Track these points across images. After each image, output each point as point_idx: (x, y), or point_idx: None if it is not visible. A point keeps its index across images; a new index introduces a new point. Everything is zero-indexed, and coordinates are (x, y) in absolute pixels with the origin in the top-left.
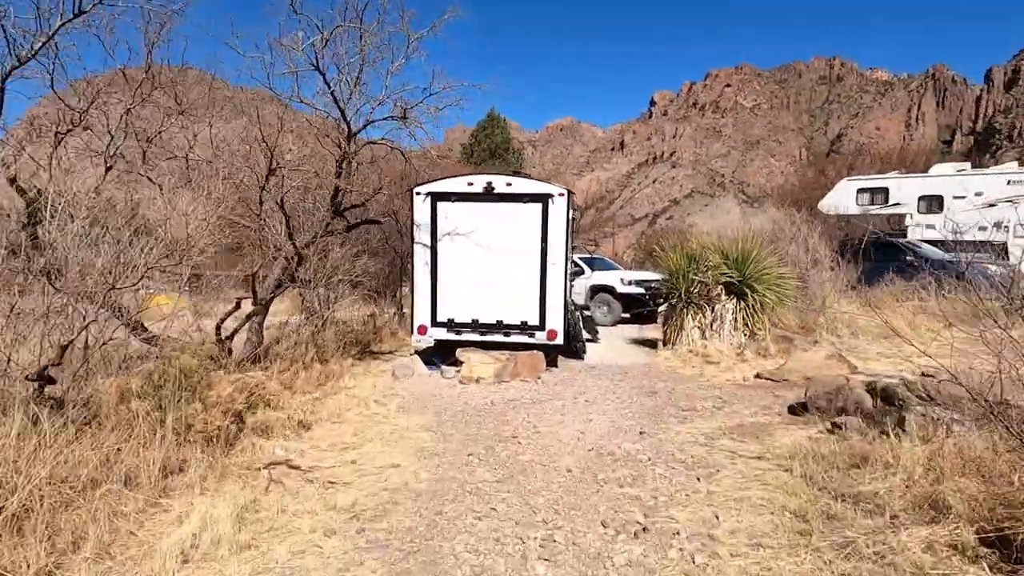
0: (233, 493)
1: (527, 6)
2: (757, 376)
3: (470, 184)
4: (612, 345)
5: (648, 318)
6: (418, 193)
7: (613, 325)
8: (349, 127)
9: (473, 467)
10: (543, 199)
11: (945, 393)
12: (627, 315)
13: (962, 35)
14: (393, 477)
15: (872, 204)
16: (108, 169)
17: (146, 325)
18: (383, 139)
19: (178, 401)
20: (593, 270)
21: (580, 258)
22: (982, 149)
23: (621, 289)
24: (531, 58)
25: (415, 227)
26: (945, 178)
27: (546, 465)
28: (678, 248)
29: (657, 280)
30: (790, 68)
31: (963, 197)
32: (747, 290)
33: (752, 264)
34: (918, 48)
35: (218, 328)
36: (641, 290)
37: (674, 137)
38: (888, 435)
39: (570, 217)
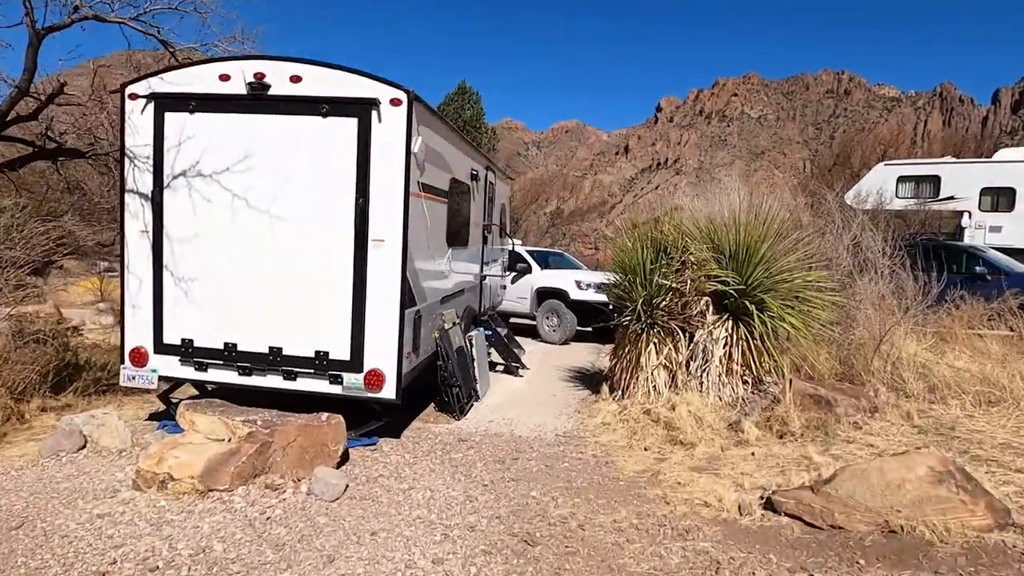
0: None
1: (538, 7)
2: (768, 506)
3: (225, 78)
4: (538, 384)
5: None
6: (133, 95)
7: (564, 343)
8: None
9: None
10: (361, 110)
11: None
12: (589, 328)
13: (970, 55)
14: None
15: (917, 196)
16: None
17: None
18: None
19: None
20: (544, 268)
21: (528, 251)
22: None
23: (576, 295)
24: (540, 58)
25: (126, 161)
26: (1019, 165)
27: None
28: (638, 230)
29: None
30: (798, 80)
31: None
32: (751, 306)
33: (762, 264)
34: (926, 66)
35: None
36: (603, 297)
37: (679, 144)
38: None
39: (414, 150)
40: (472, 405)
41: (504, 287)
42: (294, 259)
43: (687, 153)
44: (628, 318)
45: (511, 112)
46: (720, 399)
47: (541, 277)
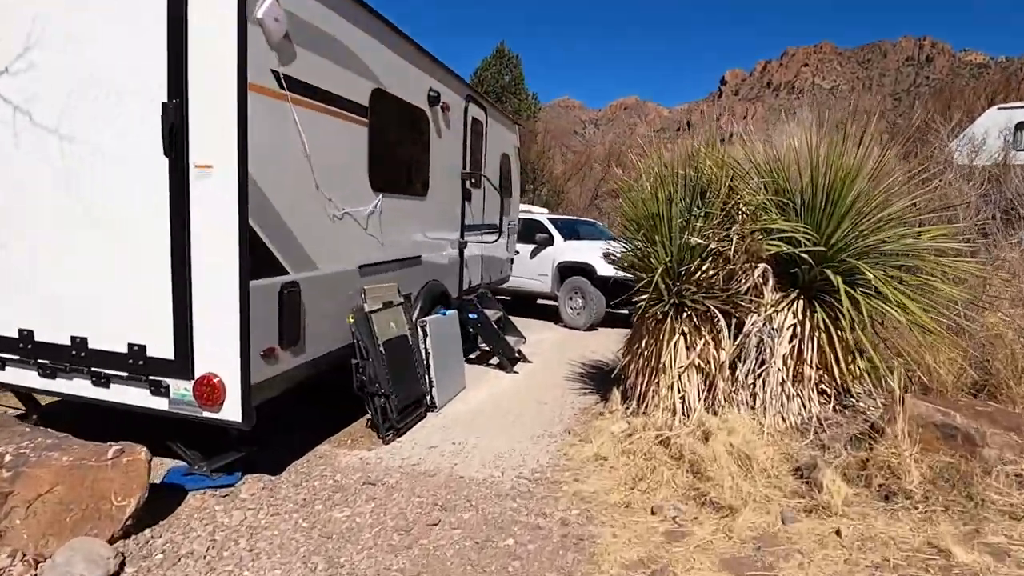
0: None
1: None
2: None
3: None
4: (532, 385)
5: None
6: None
7: (590, 329)
8: None
9: None
10: None
11: None
12: (624, 311)
13: None
14: None
15: None
16: None
17: None
18: None
19: None
20: (569, 239)
21: (551, 219)
22: None
23: (604, 271)
24: (599, 34)
25: None
26: None
27: None
28: (658, 166)
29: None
30: (875, 48)
31: None
32: (835, 278)
33: (851, 215)
34: (1020, 29)
35: None
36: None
37: (744, 118)
38: None
39: (257, 14)
40: (421, 418)
41: (511, 260)
42: (93, 201)
43: (753, 127)
44: (644, 296)
45: (568, 90)
46: (783, 419)
47: (564, 250)
